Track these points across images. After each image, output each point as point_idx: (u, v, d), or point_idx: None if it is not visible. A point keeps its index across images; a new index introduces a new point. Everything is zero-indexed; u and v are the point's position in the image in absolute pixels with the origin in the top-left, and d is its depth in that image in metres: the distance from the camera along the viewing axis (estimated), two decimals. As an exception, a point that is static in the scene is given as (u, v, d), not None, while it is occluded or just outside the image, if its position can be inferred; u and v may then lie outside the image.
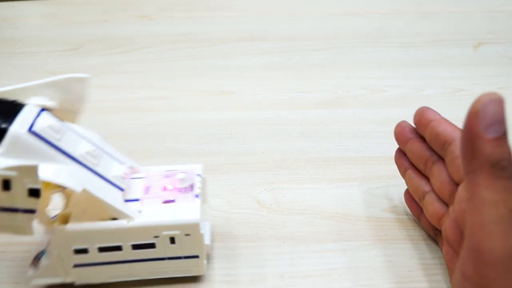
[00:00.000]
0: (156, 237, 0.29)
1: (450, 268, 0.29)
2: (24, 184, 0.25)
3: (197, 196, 0.30)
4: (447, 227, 0.29)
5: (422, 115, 0.31)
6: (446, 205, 0.31)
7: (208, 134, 0.45)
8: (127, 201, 0.29)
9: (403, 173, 0.35)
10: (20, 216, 0.26)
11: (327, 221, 0.36)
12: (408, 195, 0.35)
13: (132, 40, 0.61)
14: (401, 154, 0.35)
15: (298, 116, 0.47)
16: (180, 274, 0.31)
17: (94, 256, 0.29)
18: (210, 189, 0.39)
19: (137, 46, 0.60)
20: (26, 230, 0.26)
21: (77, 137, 0.28)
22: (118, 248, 0.29)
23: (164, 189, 0.30)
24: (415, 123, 0.32)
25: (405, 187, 0.37)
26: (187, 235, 0.29)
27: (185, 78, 0.54)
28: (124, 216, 0.28)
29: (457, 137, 0.29)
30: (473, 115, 0.22)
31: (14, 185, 0.25)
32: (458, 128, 0.29)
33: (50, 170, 0.26)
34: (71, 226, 0.28)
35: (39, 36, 0.63)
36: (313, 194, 0.39)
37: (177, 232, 0.29)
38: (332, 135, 0.45)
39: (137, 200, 0.30)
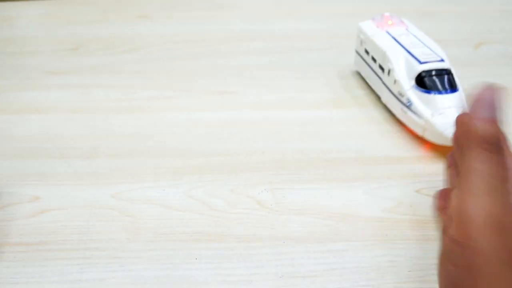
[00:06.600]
0: None
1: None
2: None
3: None
4: None
5: None
6: None
7: (208, 134, 0.45)
8: None
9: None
10: None
11: (327, 221, 0.36)
12: (443, 192, 0.34)
13: (132, 40, 0.61)
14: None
15: (298, 116, 0.47)
16: None
17: None
18: (210, 189, 0.39)
19: (137, 46, 0.60)
20: None
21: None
22: None
23: None
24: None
25: (404, 187, 0.37)
26: None
27: (185, 78, 0.54)
28: None
29: None
30: (472, 100, 0.28)
31: None
32: None
33: None
34: None
35: (39, 36, 0.63)
36: (313, 194, 0.39)
37: None
38: (332, 135, 0.45)
39: None
